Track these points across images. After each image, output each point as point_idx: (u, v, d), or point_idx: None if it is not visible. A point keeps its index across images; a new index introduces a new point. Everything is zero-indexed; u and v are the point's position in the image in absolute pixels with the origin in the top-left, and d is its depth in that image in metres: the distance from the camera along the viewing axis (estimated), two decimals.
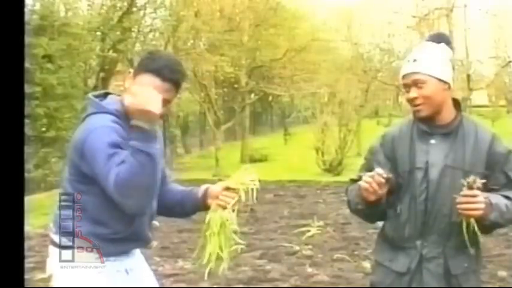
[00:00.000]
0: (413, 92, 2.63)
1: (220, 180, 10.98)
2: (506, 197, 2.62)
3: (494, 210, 2.52)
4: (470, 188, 2.45)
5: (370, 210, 2.67)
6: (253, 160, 20.91)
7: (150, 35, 17.59)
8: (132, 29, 16.24)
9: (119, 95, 2.56)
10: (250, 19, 19.52)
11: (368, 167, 2.74)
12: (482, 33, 26.83)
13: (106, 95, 2.58)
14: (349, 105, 17.78)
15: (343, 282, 5.98)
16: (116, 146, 2.28)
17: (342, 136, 16.49)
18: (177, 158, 22.39)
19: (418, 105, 2.63)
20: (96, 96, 2.54)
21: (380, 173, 2.51)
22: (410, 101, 2.66)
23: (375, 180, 2.50)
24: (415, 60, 2.65)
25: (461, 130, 2.67)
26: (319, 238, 7.88)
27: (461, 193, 2.46)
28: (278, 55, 20.44)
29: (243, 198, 2.46)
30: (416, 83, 2.62)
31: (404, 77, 2.68)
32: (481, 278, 2.86)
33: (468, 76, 21.91)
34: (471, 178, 2.45)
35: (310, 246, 7.38)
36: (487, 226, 2.58)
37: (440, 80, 2.63)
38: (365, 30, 24.77)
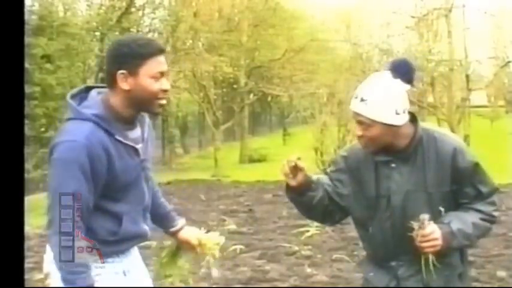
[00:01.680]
0: (359, 130, 2.55)
1: (219, 180, 11.02)
2: (477, 211, 2.58)
3: (456, 236, 2.49)
4: (421, 228, 2.43)
5: (293, 197, 2.69)
6: (252, 160, 20.94)
7: (149, 36, 17.59)
8: (131, 29, 16.25)
9: (102, 87, 2.45)
10: (249, 19, 19.55)
11: (330, 178, 2.76)
12: (481, 34, 26.80)
13: (88, 90, 2.45)
14: (348, 106, 17.74)
15: (342, 282, 5.98)
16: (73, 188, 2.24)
17: (341, 136, 16.48)
18: (176, 158, 22.40)
19: (363, 142, 2.58)
20: (78, 94, 2.42)
21: (291, 159, 2.56)
22: (356, 136, 2.60)
23: (287, 163, 2.56)
24: (362, 100, 2.51)
25: (420, 149, 2.57)
26: (318, 238, 7.87)
27: (414, 233, 2.43)
28: (277, 55, 20.48)
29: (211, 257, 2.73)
30: (361, 123, 2.53)
31: (352, 111, 2.58)
32: (468, 279, 2.84)
33: (467, 76, 21.87)
34: (420, 220, 2.42)
35: (309, 247, 7.37)
36: (453, 250, 2.57)
37: (386, 124, 2.50)
38: (364, 31, 24.77)
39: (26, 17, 11.60)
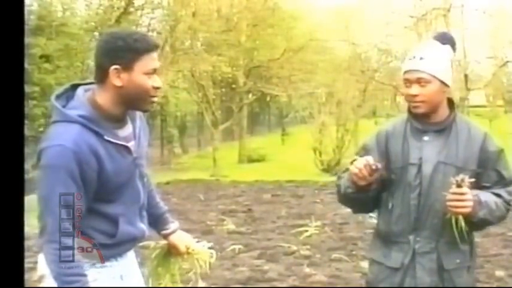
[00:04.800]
0: (415, 90, 2.65)
1: (218, 180, 11.01)
2: (497, 195, 2.67)
3: (483, 207, 2.57)
4: (459, 186, 2.49)
5: (358, 195, 2.68)
6: (250, 160, 20.95)
7: None
8: None
9: (90, 84, 2.37)
10: (248, 19, 19.54)
11: None
12: (480, 33, 26.81)
13: (75, 88, 2.37)
14: (347, 105, 17.83)
15: (341, 282, 5.98)
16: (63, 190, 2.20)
17: (340, 136, 16.53)
18: (174, 157, 22.41)
19: (418, 102, 2.66)
20: (63, 93, 2.35)
21: (370, 162, 2.55)
22: (410, 97, 2.68)
23: (365, 167, 2.54)
24: (421, 58, 2.66)
25: (454, 128, 2.71)
26: (317, 238, 7.88)
27: (450, 190, 2.51)
28: (276, 55, 20.46)
29: (197, 267, 2.73)
30: (419, 81, 2.64)
31: (407, 72, 2.69)
32: (474, 274, 2.88)
33: (466, 76, 21.89)
34: (460, 176, 2.50)
35: (308, 246, 7.38)
36: (477, 223, 2.63)
37: (442, 82, 2.66)
38: (363, 30, 24.75)
39: (25, 16, 11.62)
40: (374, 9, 23.49)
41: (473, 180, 2.53)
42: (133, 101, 2.31)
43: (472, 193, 2.54)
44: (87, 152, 2.22)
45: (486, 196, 2.61)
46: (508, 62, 24.46)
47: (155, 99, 2.36)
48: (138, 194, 2.47)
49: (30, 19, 12.49)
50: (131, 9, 15.97)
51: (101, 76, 2.28)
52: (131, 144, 2.39)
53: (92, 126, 2.24)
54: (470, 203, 2.51)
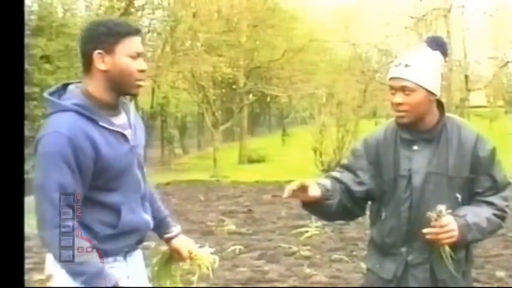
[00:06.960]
0: (399, 98, 2.56)
1: (218, 181, 11.02)
2: (490, 204, 2.60)
3: (472, 230, 2.50)
4: (437, 220, 2.42)
5: (314, 208, 2.63)
6: (251, 161, 20.95)
7: (148, 36, 17.59)
8: None
9: (79, 82, 2.41)
10: (248, 20, 19.54)
11: (348, 169, 2.71)
12: (480, 34, 26.87)
13: (66, 86, 2.40)
14: (347, 106, 17.81)
15: (341, 282, 5.98)
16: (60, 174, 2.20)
17: (340, 137, 16.50)
18: (175, 158, 22.42)
19: (402, 111, 2.58)
20: (55, 91, 2.38)
21: (306, 185, 2.46)
22: (395, 105, 2.59)
23: (301, 187, 2.45)
24: (407, 66, 2.56)
25: (444, 134, 2.62)
26: (317, 239, 7.88)
27: (431, 224, 2.43)
28: (276, 56, 20.47)
29: (198, 272, 2.73)
30: (404, 90, 2.54)
31: (392, 79, 2.59)
32: (471, 277, 2.86)
33: (466, 77, 21.92)
34: (437, 210, 2.42)
35: (308, 247, 7.38)
36: (467, 243, 2.59)
37: (428, 91, 2.56)
38: (363, 31, 24.80)
39: (25, 17, 11.61)
40: (374, 9, 23.54)
41: (450, 211, 2.44)
42: (120, 84, 2.35)
43: (459, 214, 2.49)
44: (83, 138, 2.24)
45: (475, 215, 2.53)
46: (508, 62, 24.49)
47: (142, 82, 2.41)
48: (138, 183, 2.47)
49: (30, 20, 12.49)
50: (131, 10, 15.99)
51: (87, 64, 2.34)
52: (127, 132, 2.41)
53: (87, 113, 2.28)
54: (455, 233, 2.44)
